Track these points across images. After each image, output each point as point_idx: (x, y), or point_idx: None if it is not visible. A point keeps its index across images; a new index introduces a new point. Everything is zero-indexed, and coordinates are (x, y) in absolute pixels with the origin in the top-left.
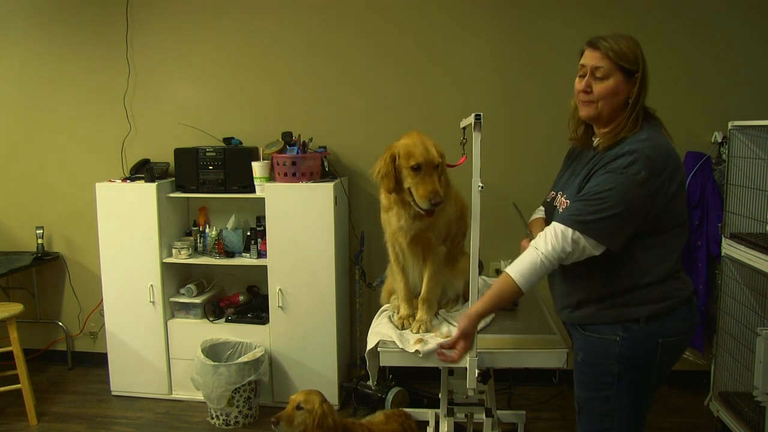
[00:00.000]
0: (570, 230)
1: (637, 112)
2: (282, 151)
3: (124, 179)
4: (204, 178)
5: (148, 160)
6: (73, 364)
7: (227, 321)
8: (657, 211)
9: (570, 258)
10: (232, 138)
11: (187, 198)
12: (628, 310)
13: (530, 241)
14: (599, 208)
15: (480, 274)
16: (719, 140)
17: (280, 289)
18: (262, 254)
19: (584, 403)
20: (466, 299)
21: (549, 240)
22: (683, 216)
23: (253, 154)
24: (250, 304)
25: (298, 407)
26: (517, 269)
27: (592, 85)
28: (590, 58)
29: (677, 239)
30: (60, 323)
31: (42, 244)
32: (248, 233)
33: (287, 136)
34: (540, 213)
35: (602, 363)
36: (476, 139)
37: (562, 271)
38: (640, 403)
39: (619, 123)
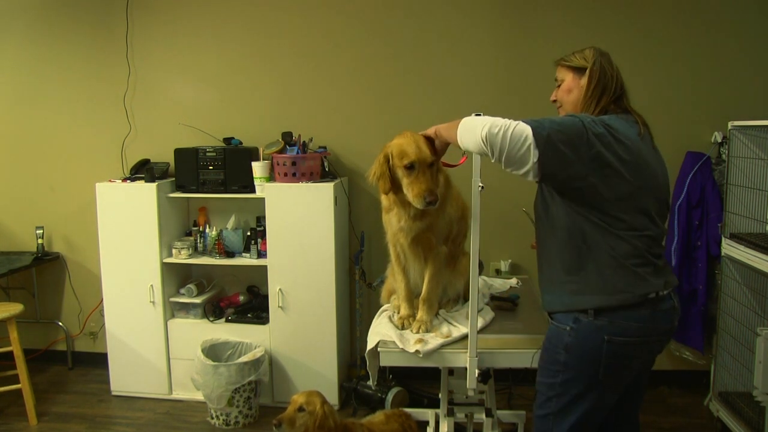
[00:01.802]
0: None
1: (594, 104)
2: (282, 151)
3: (124, 179)
4: (204, 178)
5: (148, 160)
6: (73, 364)
7: (227, 321)
8: (594, 167)
9: (506, 134)
10: (232, 138)
11: (187, 198)
12: (579, 298)
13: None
14: (542, 117)
15: (480, 274)
16: (719, 140)
17: (280, 289)
18: (262, 254)
19: (538, 387)
20: (466, 299)
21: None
22: (636, 204)
23: (253, 154)
24: (250, 304)
25: (300, 409)
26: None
27: (557, 93)
28: (556, 74)
29: (631, 232)
30: (60, 323)
31: (42, 244)
32: (248, 233)
33: (287, 136)
34: None
35: (553, 350)
36: None
37: (539, 255)
38: (587, 398)
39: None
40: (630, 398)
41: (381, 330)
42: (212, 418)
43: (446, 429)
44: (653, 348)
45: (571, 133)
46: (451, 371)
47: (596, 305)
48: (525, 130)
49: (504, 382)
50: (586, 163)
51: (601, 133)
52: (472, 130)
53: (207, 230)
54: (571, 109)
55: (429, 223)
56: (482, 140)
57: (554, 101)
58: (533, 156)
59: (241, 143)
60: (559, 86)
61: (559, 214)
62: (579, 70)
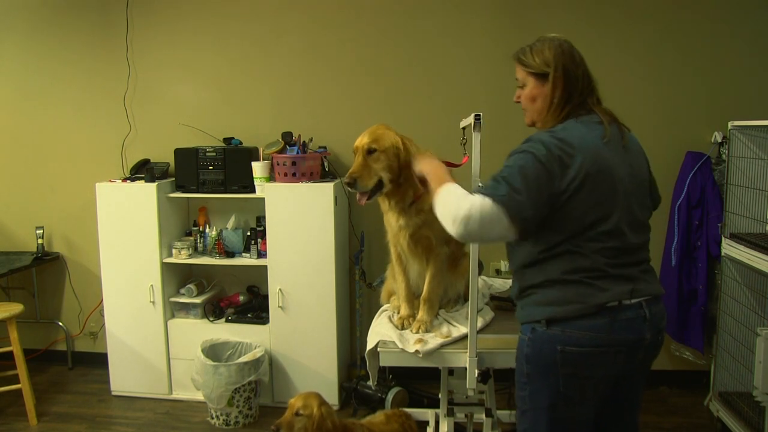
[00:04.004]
0: (477, 196)
1: (559, 110)
2: (282, 151)
3: (124, 179)
4: (204, 178)
5: (148, 160)
6: (73, 364)
7: (227, 321)
8: (563, 199)
9: (482, 225)
10: (232, 138)
11: (187, 198)
12: (534, 309)
13: None
14: (499, 176)
15: (480, 274)
16: (719, 140)
17: (280, 289)
18: (262, 254)
19: (515, 401)
20: (466, 299)
21: (471, 200)
22: (595, 217)
23: (253, 154)
24: (250, 304)
25: (297, 413)
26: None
27: (521, 96)
28: (516, 72)
29: (590, 244)
30: (60, 323)
31: (42, 244)
32: (248, 233)
33: (287, 136)
34: None
35: (519, 362)
36: (476, 139)
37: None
38: (557, 413)
39: (543, 123)
40: (626, 401)
41: (381, 330)
42: (212, 418)
43: (446, 429)
44: (617, 359)
45: (535, 179)
46: (451, 371)
47: (547, 316)
48: (495, 213)
49: (504, 382)
50: (552, 198)
51: (556, 157)
52: (445, 218)
53: (207, 230)
54: (536, 117)
55: (424, 219)
56: (459, 237)
57: (518, 101)
58: (511, 231)
59: (241, 143)
60: (521, 87)
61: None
62: (541, 76)
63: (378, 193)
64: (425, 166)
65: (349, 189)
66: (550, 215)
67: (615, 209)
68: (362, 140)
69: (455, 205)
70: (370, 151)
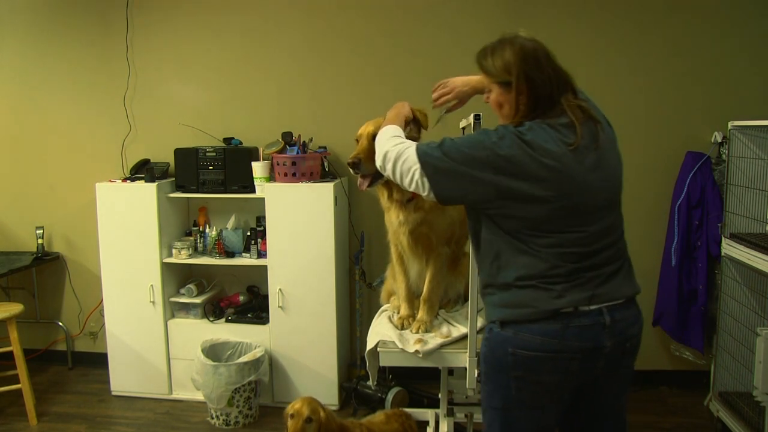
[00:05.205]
0: (410, 142)
1: (528, 114)
2: (282, 151)
3: (124, 179)
4: (204, 178)
5: (148, 160)
6: (73, 364)
7: (227, 321)
8: (500, 192)
9: (395, 166)
10: (232, 138)
11: (187, 198)
12: (491, 309)
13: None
14: (442, 138)
15: None
16: (719, 140)
17: (280, 289)
18: (262, 254)
19: None
20: (466, 299)
21: (399, 142)
22: (557, 223)
23: (253, 154)
24: (250, 304)
25: (308, 420)
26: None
27: (491, 106)
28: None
29: (549, 249)
30: (60, 323)
31: (42, 244)
32: (248, 233)
33: (287, 136)
34: None
35: (480, 361)
36: None
37: None
38: (510, 415)
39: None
40: (598, 410)
41: (381, 330)
42: (212, 418)
43: (446, 429)
44: (571, 366)
45: (469, 159)
46: (450, 371)
47: (501, 317)
48: (413, 165)
49: None
50: (490, 189)
51: (510, 155)
52: (377, 150)
53: (207, 230)
54: (508, 122)
55: (423, 217)
56: (379, 167)
57: (488, 102)
58: (425, 187)
59: (241, 143)
60: (488, 91)
61: (477, 228)
62: (504, 84)
63: (379, 180)
64: (389, 112)
65: (352, 170)
66: (501, 214)
67: (577, 216)
68: (367, 128)
69: (388, 140)
70: (375, 137)
